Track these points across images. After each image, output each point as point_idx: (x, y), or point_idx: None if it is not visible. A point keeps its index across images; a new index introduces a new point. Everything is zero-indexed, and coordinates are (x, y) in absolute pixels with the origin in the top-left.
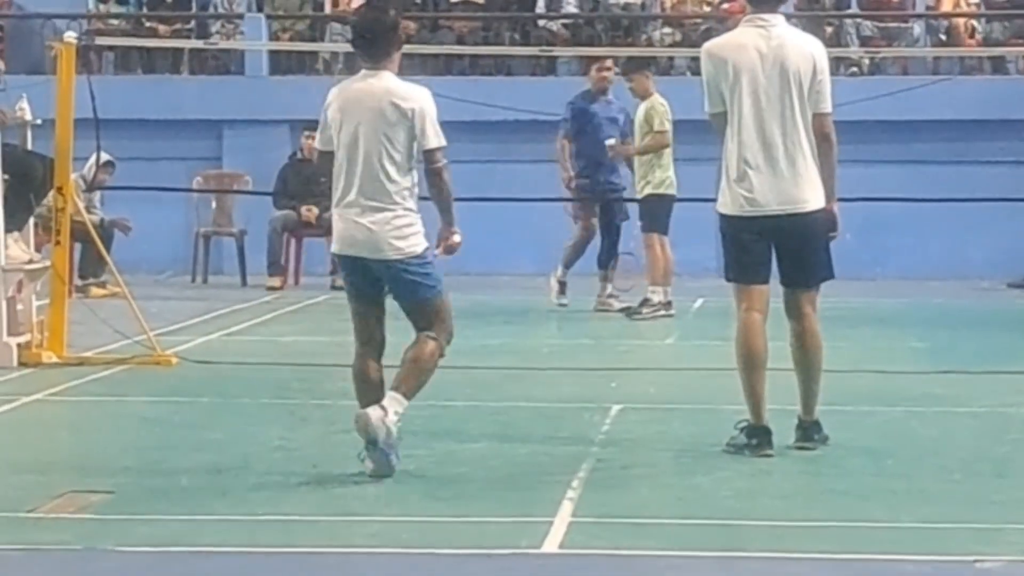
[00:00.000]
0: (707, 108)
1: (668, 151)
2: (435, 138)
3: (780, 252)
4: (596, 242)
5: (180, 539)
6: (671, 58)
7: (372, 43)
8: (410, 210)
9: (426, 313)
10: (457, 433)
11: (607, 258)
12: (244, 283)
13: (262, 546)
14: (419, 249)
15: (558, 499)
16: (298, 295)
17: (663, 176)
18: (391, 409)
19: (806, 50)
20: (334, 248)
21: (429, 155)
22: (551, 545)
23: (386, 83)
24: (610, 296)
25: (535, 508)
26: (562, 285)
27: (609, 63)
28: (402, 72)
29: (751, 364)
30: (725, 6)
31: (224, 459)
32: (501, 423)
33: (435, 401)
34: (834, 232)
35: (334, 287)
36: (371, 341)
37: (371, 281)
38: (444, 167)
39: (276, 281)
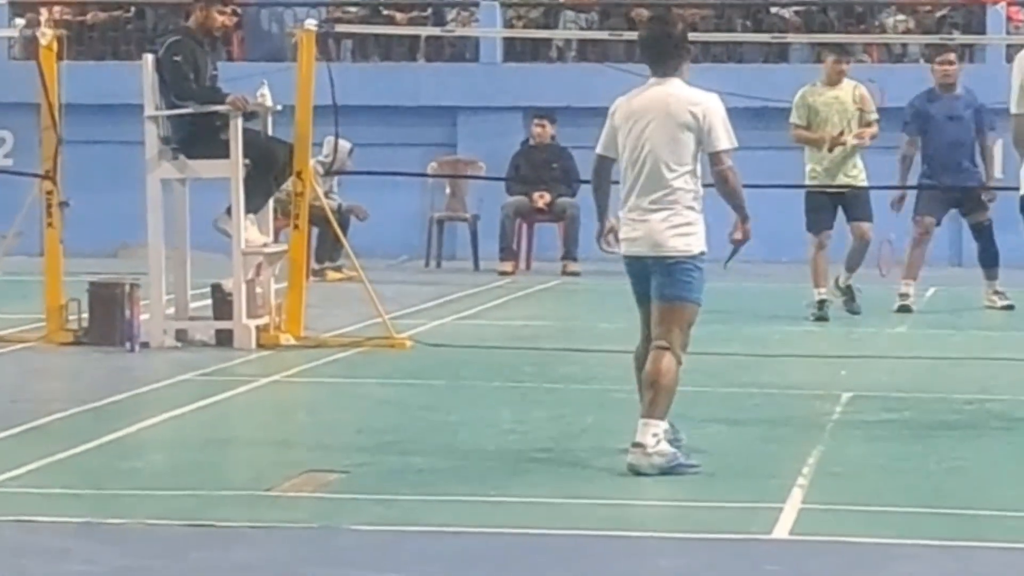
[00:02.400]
0: (1012, 109)
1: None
2: (724, 140)
3: None
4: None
5: (414, 519)
6: (904, 45)
7: (660, 56)
8: (691, 209)
9: (672, 315)
10: (686, 419)
11: (983, 256)
12: (476, 268)
13: (494, 527)
14: (696, 250)
15: (788, 485)
16: (529, 280)
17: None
18: (648, 443)
19: None
20: (621, 250)
21: (715, 157)
22: (781, 531)
23: (674, 89)
24: (995, 293)
25: (765, 494)
26: (903, 296)
27: (952, 56)
28: (634, 57)
29: None
30: None
31: (457, 441)
32: (730, 409)
33: None
34: None
35: (565, 272)
36: (651, 337)
37: (648, 282)
38: (729, 169)
39: (508, 266)
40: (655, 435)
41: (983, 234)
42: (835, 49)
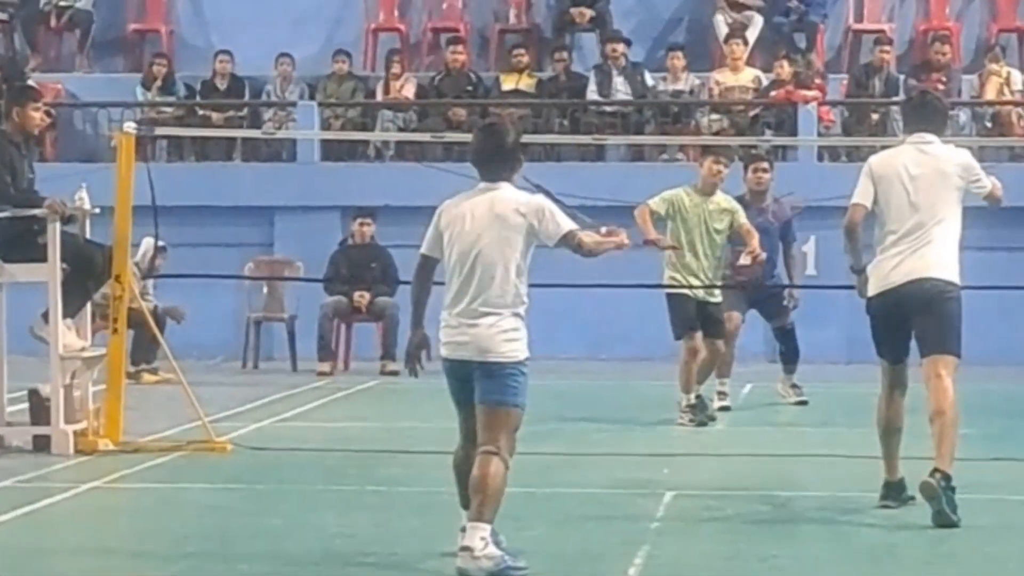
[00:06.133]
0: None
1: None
2: (566, 223)
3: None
4: None
5: None
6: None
7: (492, 166)
8: (518, 316)
9: (498, 420)
10: (513, 520)
11: (785, 354)
12: (295, 368)
13: None
14: (521, 356)
15: None
16: (348, 380)
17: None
18: (476, 546)
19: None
20: (442, 352)
21: (567, 239)
22: None
23: (502, 193)
24: (792, 386)
25: None
26: (721, 396)
27: (766, 164)
28: (452, 157)
29: None
30: (772, 94)
31: (283, 546)
32: (555, 510)
33: None
34: None
35: (383, 372)
36: (474, 439)
37: (471, 386)
38: (582, 236)
39: (326, 366)
40: (483, 538)
41: (787, 336)
42: (713, 150)
